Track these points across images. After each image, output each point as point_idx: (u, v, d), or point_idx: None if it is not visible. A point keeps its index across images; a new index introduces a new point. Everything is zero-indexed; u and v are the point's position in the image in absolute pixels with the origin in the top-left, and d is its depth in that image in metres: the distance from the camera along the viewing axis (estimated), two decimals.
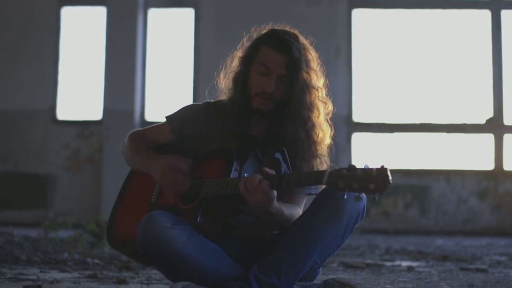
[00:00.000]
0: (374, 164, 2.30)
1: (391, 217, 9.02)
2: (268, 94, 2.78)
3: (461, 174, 9.03)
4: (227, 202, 2.69)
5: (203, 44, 9.29)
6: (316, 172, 2.46)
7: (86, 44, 9.81)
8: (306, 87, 2.83)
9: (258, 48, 2.85)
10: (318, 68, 2.89)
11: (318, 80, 2.88)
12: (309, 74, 2.84)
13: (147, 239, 2.59)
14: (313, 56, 2.88)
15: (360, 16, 9.39)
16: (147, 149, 2.95)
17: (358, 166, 2.33)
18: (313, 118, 2.83)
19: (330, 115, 2.92)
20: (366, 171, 2.29)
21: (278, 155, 2.55)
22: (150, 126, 3.08)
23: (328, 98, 2.92)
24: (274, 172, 2.52)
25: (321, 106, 2.88)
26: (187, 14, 9.58)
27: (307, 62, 2.84)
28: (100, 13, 9.62)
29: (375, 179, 2.27)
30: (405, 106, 9.30)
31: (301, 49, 2.83)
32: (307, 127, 2.81)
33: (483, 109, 9.18)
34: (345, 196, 2.37)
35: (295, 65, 2.79)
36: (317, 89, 2.87)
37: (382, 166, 2.28)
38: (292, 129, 2.80)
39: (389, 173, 2.26)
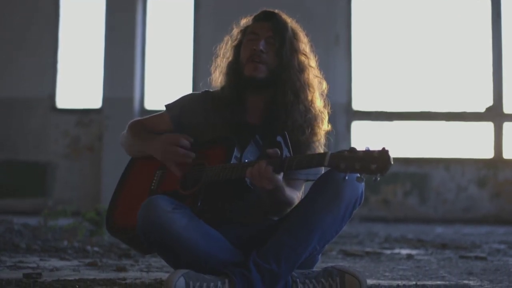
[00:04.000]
0: (375, 147, 2.32)
1: (390, 205, 9.03)
2: (258, 53, 2.82)
3: (460, 162, 9.04)
4: (227, 188, 2.69)
5: (202, 32, 9.28)
6: (318, 154, 2.47)
7: (85, 33, 9.80)
8: (295, 51, 2.88)
9: (246, 29, 2.94)
10: (306, 42, 2.95)
11: (306, 49, 2.93)
12: (297, 40, 2.90)
13: (147, 223, 2.60)
14: (300, 29, 2.95)
15: (359, 4, 9.37)
16: (146, 133, 2.98)
17: (358, 149, 2.35)
18: (303, 82, 2.86)
19: (325, 92, 2.95)
20: (368, 152, 2.31)
21: (279, 138, 2.56)
22: (149, 115, 3.10)
23: (320, 74, 2.95)
24: (278, 152, 2.53)
25: (314, 81, 2.91)
26: (187, 3, 9.56)
27: (294, 31, 2.91)
28: (99, 2, 9.60)
29: (376, 160, 2.29)
30: (405, 94, 9.31)
31: (286, 19, 2.92)
32: (295, 89, 2.84)
33: (482, 97, 9.18)
34: (346, 177, 2.38)
35: (281, 29, 2.86)
36: (307, 57, 2.92)
37: (383, 148, 2.30)
38: (281, 94, 2.83)
39: (390, 155, 2.28)
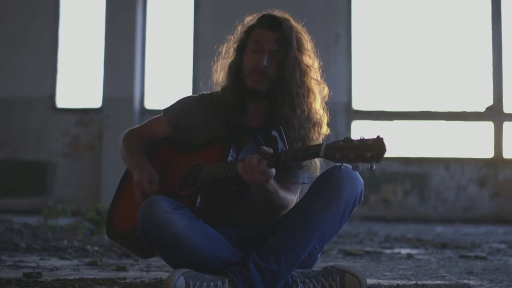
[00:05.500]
0: (370, 135, 2.32)
1: (390, 204, 9.03)
2: (261, 69, 2.80)
3: (460, 162, 9.04)
4: (225, 187, 2.69)
5: (202, 31, 9.28)
6: (313, 146, 2.47)
7: (85, 32, 9.80)
8: (298, 65, 2.85)
9: (251, 31, 2.90)
10: (311, 50, 2.91)
11: (311, 61, 2.90)
12: (301, 52, 2.87)
13: (147, 223, 2.60)
14: (306, 38, 2.92)
15: (360, 3, 9.36)
16: (137, 154, 2.97)
17: (354, 138, 2.36)
18: (301, 97, 2.84)
19: (326, 98, 2.94)
20: (362, 141, 2.33)
21: (274, 133, 2.56)
22: (147, 120, 3.10)
23: (323, 81, 2.93)
24: (271, 150, 2.53)
25: (315, 88, 2.89)
26: (187, 2, 9.56)
27: (299, 41, 2.87)
28: (99, 1, 9.60)
29: (371, 148, 2.30)
30: (405, 93, 9.30)
31: (292, 29, 2.87)
32: (293, 104, 2.82)
33: (482, 97, 9.18)
34: (342, 167, 2.38)
35: (285, 41, 2.82)
36: (310, 69, 2.89)
37: (378, 136, 2.31)
38: (279, 107, 2.82)
39: (384, 142, 2.29)
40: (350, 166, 2.39)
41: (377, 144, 2.29)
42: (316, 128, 2.87)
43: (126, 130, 3.09)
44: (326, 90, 2.94)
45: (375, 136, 2.31)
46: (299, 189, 2.90)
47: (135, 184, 2.83)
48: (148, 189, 2.80)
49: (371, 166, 2.31)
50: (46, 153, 9.48)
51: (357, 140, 2.34)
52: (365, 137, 2.33)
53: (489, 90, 9.13)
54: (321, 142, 2.88)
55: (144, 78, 9.47)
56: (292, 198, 2.81)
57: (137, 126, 3.12)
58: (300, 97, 2.84)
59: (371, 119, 9.17)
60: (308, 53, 2.90)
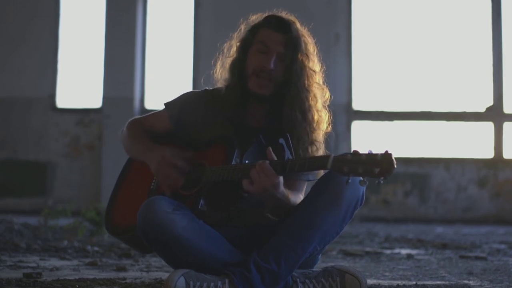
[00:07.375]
0: (378, 150, 2.31)
1: (390, 205, 9.03)
2: (267, 71, 2.77)
3: (460, 162, 9.04)
4: (228, 189, 2.68)
5: (202, 31, 9.28)
6: (321, 157, 2.46)
7: (85, 32, 9.80)
8: (304, 69, 2.83)
9: (256, 30, 2.86)
10: (315, 54, 2.90)
11: (315, 65, 2.88)
12: (307, 56, 2.85)
13: (147, 224, 2.59)
14: (310, 41, 2.89)
15: (360, 3, 9.36)
16: (145, 138, 2.94)
17: (361, 152, 2.34)
18: (310, 101, 2.83)
19: (327, 102, 2.92)
20: (371, 155, 2.30)
21: (281, 140, 2.54)
22: (148, 113, 3.07)
23: (324, 85, 2.92)
24: (275, 157, 2.52)
25: (318, 92, 2.88)
26: (187, 2, 9.56)
27: (305, 45, 2.85)
28: (100, 1, 9.59)
29: (380, 164, 2.28)
30: (405, 94, 9.30)
31: (299, 32, 2.84)
32: (303, 109, 2.81)
33: (483, 97, 9.18)
34: (349, 180, 2.37)
35: (294, 45, 2.79)
36: (315, 73, 2.87)
37: (386, 151, 2.29)
38: (289, 112, 2.80)
39: (393, 158, 2.28)
40: (357, 180, 2.37)
41: (386, 160, 2.28)
42: (321, 130, 2.87)
43: (129, 120, 3.05)
44: (327, 95, 2.92)
45: (383, 151, 2.30)
46: (305, 186, 2.88)
47: (158, 166, 2.75)
48: (176, 168, 2.74)
49: (378, 182, 2.30)
50: (46, 153, 9.48)
51: (366, 154, 2.32)
52: (373, 151, 2.31)
53: (489, 90, 9.13)
54: (322, 141, 2.88)
55: (144, 78, 9.47)
56: (300, 198, 2.80)
57: (139, 117, 3.07)
58: (310, 101, 2.83)
59: (371, 120, 9.17)
60: (312, 57, 2.88)
